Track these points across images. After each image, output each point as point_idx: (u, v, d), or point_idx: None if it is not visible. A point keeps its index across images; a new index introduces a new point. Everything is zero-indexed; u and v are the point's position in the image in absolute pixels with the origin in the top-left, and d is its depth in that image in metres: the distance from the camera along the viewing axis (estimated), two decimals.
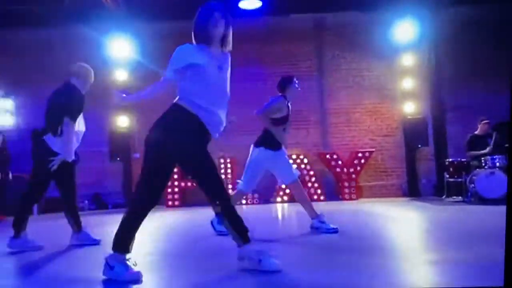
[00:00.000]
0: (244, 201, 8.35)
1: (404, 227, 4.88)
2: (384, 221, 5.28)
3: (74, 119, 3.68)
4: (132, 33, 8.49)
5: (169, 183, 8.10)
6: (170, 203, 8.29)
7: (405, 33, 8.64)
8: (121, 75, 8.60)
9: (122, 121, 8.51)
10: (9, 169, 7.33)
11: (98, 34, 8.08)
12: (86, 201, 8.33)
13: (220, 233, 4.03)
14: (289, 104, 4.30)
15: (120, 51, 8.47)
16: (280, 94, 4.33)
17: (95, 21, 8.06)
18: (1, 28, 8.03)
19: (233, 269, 2.61)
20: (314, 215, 4.18)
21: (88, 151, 6.13)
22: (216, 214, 2.68)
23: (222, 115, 2.60)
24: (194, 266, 2.93)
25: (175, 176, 8.24)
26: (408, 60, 8.88)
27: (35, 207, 7.67)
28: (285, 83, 4.33)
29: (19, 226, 3.78)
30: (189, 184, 8.47)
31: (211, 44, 2.59)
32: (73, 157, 3.76)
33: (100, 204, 8.43)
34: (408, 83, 8.88)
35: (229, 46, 2.67)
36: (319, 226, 4.10)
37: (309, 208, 4.21)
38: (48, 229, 5.86)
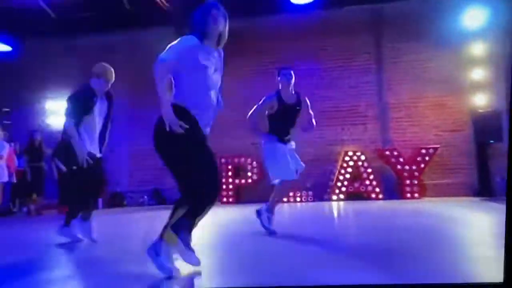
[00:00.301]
0: (298, 199, 8.17)
1: (466, 231, 4.33)
2: (441, 222, 4.74)
3: (74, 121, 3.74)
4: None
5: (224, 180, 8.18)
6: (224, 199, 8.34)
7: (474, 19, 7.93)
8: None
9: None
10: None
11: (157, 37, 8.38)
12: (146, 196, 8.68)
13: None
14: (283, 98, 4.05)
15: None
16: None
17: (154, 24, 8.39)
18: (67, 34, 8.65)
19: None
20: (271, 210, 4.01)
21: (147, 148, 6.35)
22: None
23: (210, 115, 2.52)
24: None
25: (229, 173, 8.29)
26: (478, 49, 8.14)
27: (100, 201, 8.14)
28: (278, 75, 4.14)
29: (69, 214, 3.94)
30: (243, 181, 8.49)
31: (209, 42, 2.51)
32: (85, 156, 3.71)
33: (160, 199, 8.72)
34: (477, 74, 8.14)
35: (223, 44, 2.60)
36: (262, 218, 4.00)
37: (273, 203, 4.03)
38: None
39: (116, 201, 8.64)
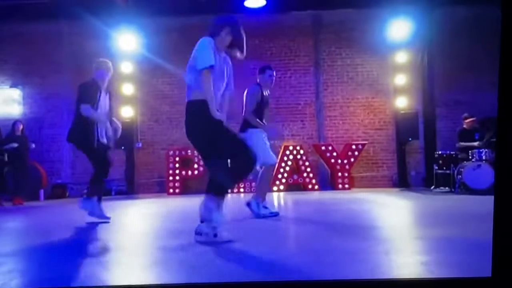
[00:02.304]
0: (242, 189, 8.38)
1: (397, 213, 4.92)
2: (378, 208, 5.32)
3: (90, 104, 4.02)
4: (138, 27, 8.45)
5: (171, 172, 8.17)
6: (171, 190, 8.33)
7: (399, 31, 8.66)
8: (127, 68, 8.59)
9: (126, 112, 8.52)
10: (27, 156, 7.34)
11: (106, 27, 8.06)
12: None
13: (264, 216, 4.14)
14: (263, 91, 4.36)
15: (127, 44, 8.45)
16: (257, 82, 4.45)
17: (103, 15, 8.02)
18: (12, 20, 7.99)
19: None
20: (260, 198, 4.27)
21: None
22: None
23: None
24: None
25: (177, 165, 8.29)
26: (401, 57, 8.91)
27: (41, 193, 7.72)
28: (259, 73, 4.46)
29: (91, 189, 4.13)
30: (190, 172, 8.53)
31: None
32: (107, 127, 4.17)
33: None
34: (401, 79, 8.93)
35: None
36: (252, 207, 4.25)
37: (260, 191, 4.31)
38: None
39: (58, 192, 8.21)
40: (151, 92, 8.62)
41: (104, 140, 4.17)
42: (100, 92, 4.13)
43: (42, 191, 7.74)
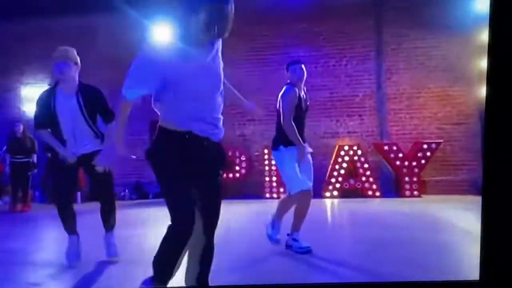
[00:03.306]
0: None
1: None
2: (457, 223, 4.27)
3: None
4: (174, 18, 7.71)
5: None
6: None
7: (485, 3, 6.86)
8: None
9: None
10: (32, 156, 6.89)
11: (141, 19, 7.44)
12: (127, 190, 7.81)
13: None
14: (299, 92, 3.35)
15: (163, 36, 7.75)
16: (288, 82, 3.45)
17: (139, 5, 7.39)
18: (46, 16, 7.67)
19: None
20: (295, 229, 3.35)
21: (128, 139, 5.52)
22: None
23: None
24: None
25: None
26: (488, 35, 7.06)
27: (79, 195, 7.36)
28: (286, 70, 3.46)
29: None
30: (230, 175, 7.60)
31: None
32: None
33: (141, 193, 7.87)
34: (487, 63, 7.09)
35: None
36: (292, 244, 3.34)
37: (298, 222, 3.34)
38: None
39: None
40: None
41: None
42: None
43: (79, 193, 7.34)
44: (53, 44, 3.52)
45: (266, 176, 7.34)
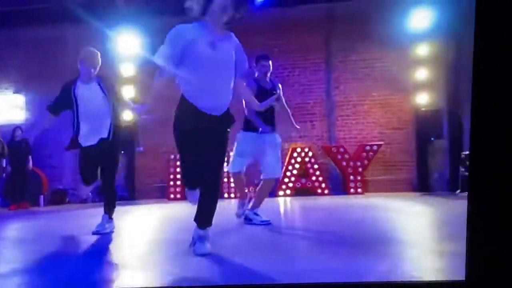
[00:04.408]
0: None
1: (412, 221, 4.33)
2: (391, 215, 4.72)
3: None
4: (140, 28, 8.01)
5: (171, 177, 7.68)
6: (172, 196, 7.82)
7: (420, 21, 7.62)
8: (128, 70, 8.21)
9: (127, 115, 8.10)
10: (29, 160, 7.20)
11: (107, 29, 7.69)
12: (90, 193, 7.99)
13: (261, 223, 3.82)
14: (260, 81, 3.92)
15: (128, 46, 8.05)
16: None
17: (104, 17, 7.65)
18: (13, 26, 7.82)
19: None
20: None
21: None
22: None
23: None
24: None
25: (177, 169, 7.75)
26: (423, 49, 7.85)
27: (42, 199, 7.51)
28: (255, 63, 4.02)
29: None
30: None
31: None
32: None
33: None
34: (422, 74, 7.87)
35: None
36: (253, 218, 3.91)
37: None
38: None
39: (58, 198, 7.88)
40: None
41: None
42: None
43: (42, 197, 7.47)
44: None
45: None
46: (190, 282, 2.08)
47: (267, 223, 3.81)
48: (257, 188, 4.02)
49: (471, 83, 1.27)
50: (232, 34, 2.56)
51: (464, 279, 1.29)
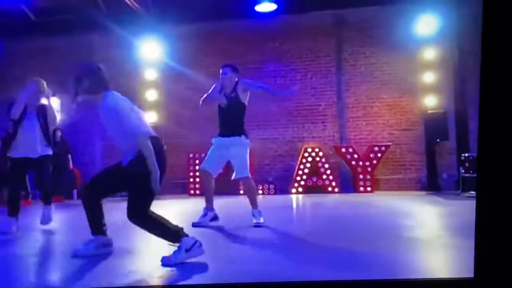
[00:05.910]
0: (260, 191, 7.89)
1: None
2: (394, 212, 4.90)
3: None
4: (161, 35, 8.27)
5: (191, 174, 7.91)
6: (192, 192, 8.07)
7: (427, 26, 7.72)
8: (151, 75, 8.49)
9: (151, 117, 8.38)
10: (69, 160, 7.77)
11: (131, 37, 7.99)
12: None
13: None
14: (222, 90, 4.12)
15: (150, 53, 8.32)
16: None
17: (128, 25, 7.93)
18: (47, 36, 8.21)
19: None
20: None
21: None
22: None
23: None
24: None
25: (197, 167, 7.97)
26: (429, 53, 7.97)
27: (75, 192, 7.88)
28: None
29: None
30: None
31: None
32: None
33: None
34: (429, 77, 7.99)
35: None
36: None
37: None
38: None
39: None
40: (174, 97, 8.40)
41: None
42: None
43: (75, 191, 7.84)
44: None
45: None
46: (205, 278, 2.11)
47: (258, 226, 3.86)
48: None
49: (479, 85, 1.24)
50: None
51: (473, 276, 1.28)
